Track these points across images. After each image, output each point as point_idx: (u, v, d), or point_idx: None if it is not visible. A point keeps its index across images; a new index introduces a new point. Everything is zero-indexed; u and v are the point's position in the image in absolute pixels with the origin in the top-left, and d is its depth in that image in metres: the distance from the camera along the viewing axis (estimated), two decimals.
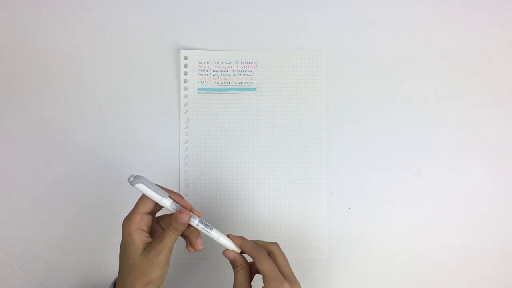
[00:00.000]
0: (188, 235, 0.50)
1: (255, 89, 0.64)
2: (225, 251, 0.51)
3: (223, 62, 0.64)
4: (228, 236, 0.51)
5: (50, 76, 0.64)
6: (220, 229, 0.63)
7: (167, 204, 0.47)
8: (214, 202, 0.63)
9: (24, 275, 0.62)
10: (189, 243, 0.50)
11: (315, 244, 0.62)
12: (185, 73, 0.64)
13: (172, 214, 0.48)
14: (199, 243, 0.49)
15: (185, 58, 0.64)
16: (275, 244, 0.51)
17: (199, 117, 0.64)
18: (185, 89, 0.64)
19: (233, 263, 0.51)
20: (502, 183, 0.62)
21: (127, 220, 0.47)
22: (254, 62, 0.64)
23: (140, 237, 0.46)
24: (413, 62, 0.64)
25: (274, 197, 0.63)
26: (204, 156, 0.63)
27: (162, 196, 0.47)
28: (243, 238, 0.51)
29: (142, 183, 0.45)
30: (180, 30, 0.65)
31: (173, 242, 0.47)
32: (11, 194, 0.62)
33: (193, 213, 0.49)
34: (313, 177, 0.63)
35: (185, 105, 0.64)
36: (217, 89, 0.64)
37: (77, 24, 0.65)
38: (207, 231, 0.49)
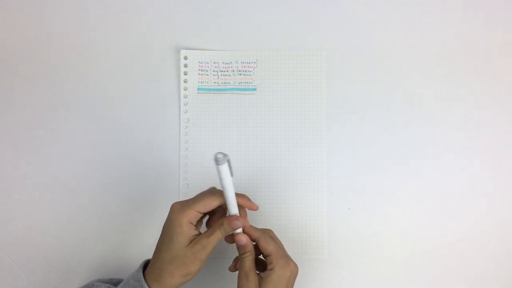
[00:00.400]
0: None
1: (255, 89, 0.64)
2: (238, 235, 0.51)
3: (223, 62, 0.64)
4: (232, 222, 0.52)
5: (50, 76, 0.64)
6: None
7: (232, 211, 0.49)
8: None
9: (24, 275, 0.62)
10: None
11: (315, 244, 0.62)
12: (185, 73, 0.64)
13: (223, 214, 0.50)
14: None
15: (185, 58, 0.64)
16: (270, 230, 0.53)
17: (199, 117, 0.64)
18: (185, 89, 0.64)
19: (242, 248, 0.51)
20: (502, 183, 0.62)
21: (181, 212, 0.48)
22: (254, 62, 0.64)
23: (189, 231, 0.47)
24: (413, 62, 0.64)
25: (274, 197, 0.63)
26: (204, 156, 0.63)
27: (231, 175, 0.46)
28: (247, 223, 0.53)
29: (228, 166, 0.45)
30: (180, 30, 0.65)
31: (219, 241, 0.48)
32: (11, 194, 0.62)
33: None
34: (313, 177, 0.63)
35: (185, 105, 0.64)
36: (217, 89, 0.64)
37: (77, 24, 0.65)
38: None
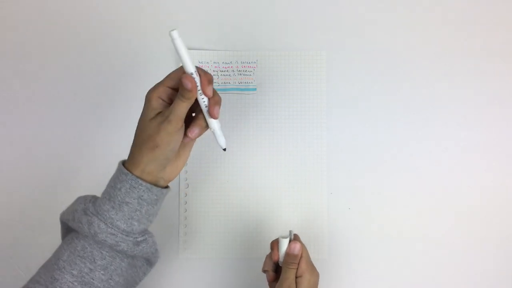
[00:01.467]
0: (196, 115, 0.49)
1: (255, 89, 0.64)
2: (294, 244, 0.52)
3: (223, 62, 0.64)
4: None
5: (50, 76, 0.64)
6: (221, 228, 0.63)
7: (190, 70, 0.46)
8: (214, 202, 0.63)
9: (24, 275, 0.62)
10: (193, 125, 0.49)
11: (315, 244, 0.62)
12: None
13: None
14: (193, 130, 0.48)
15: None
16: (297, 235, 0.55)
17: None
18: None
19: (294, 257, 0.52)
20: (502, 183, 0.62)
21: (151, 89, 0.47)
22: (254, 62, 0.64)
23: (156, 104, 0.46)
24: (413, 62, 0.64)
25: (274, 197, 0.63)
26: (204, 156, 0.63)
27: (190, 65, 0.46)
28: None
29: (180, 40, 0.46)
30: (180, 30, 0.65)
31: (181, 110, 0.45)
32: (11, 193, 0.62)
33: (202, 88, 0.47)
34: (313, 177, 0.63)
35: None
36: (217, 89, 0.63)
37: (77, 24, 0.65)
38: (207, 117, 0.48)
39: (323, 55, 0.64)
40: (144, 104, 0.47)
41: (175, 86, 0.46)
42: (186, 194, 0.63)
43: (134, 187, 0.46)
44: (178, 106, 0.45)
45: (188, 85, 0.45)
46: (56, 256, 0.46)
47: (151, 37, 0.65)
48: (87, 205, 0.46)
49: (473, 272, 0.62)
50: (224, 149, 0.51)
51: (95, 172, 0.62)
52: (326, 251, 0.62)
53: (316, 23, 0.65)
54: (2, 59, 0.64)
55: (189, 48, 0.64)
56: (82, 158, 0.63)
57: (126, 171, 0.46)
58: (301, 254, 0.52)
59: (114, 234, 0.45)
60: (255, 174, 0.63)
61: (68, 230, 0.48)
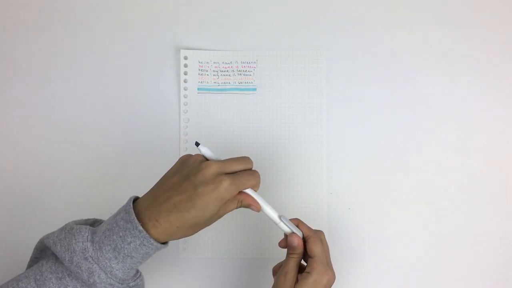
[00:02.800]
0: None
1: (255, 89, 0.64)
2: (291, 235, 0.50)
3: (223, 62, 0.64)
4: (286, 219, 0.52)
5: (49, 76, 0.64)
6: (221, 228, 0.63)
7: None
8: None
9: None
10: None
11: None
12: (185, 73, 0.64)
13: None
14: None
15: (185, 58, 0.64)
16: (322, 232, 0.52)
17: (199, 117, 0.64)
18: (185, 89, 0.64)
19: (293, 248, 0.50)
20: (502, 183, 0.62)
21: (233, 190, 0.46)
22: (254, 62, 0.64)
23: (224, 212, 0.47)
24: (413, 62, 0.64)
25: (274, 197, 0.63)
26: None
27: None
28: (298, 219, 0.52)
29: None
30: (180, 30, 0.65)
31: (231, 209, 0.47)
32: (11, 193, 0.62)
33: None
34: (313, 177, 0.63)
35: (185, 105, 0.64)
36: (217, 89, 0.64)
37: (77, 24, 0.65)
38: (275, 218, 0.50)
39: (323, 55, 0.64)
40: (220, 200, 0.45)
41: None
42: None
43: (144, 245, 0.44)
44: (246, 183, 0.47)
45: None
46: (42, 286, 0.43)
47: (151, 37, 0.65)
48: (85, 244, 0.43)
49: (473, 272, 0.62)
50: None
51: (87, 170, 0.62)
52: None
53: (316, 23, 0.65)
54: (3, 58, 0.64)
55: (189, 48, 0.64)
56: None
57: (141, 228, 0.43)
58: (315, 250, 0.49)
59: (111, 285, 0.44)
60: None
61: (43, 253, 0.47)
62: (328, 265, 0.50)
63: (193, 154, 0.48)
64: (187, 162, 0.47)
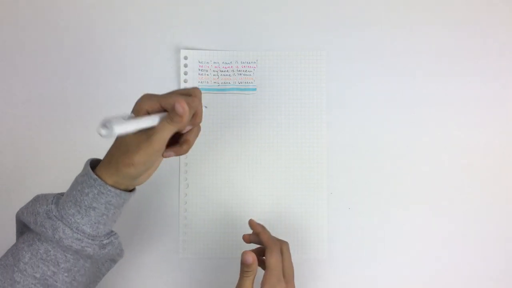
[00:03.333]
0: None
1: (255, 89, 0.64)
2: (246, 253, 0.49)
3: (223, 62, 0.64)
4: (250, 222, 0.53)
5: (49, 76, 0.64)
6: (221, 228, 0.63)
7: (156, 120, 0.44)
8: (214, 202, 0.63)
9: None
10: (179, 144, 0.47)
11: (315, 244, 0.62)
12: (185, 73, 0.64)
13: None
14: (184, 149, 0.47)
15: (185, 58, 0.64)
16: (286, 243, 0.52)
17: None
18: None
19: (247, 266, 0.49)
20: (502, 183, 0.62)
21: (142, 100, 0.45)
22: (254, 62, 0.64)
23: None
24: (413, 62, 0.64)
25: (274, 197, 0.63)
26: (204, 156, 0.63)
27: (150, 123, 0.43)
28: (263, 227, 0.52)
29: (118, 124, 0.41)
30: (180, 30, 0.65)
31: (166, 134, 0.44)
32: (11, 193, 0.62)
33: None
34: (313, 177, 0.63)
35: None
36: (217, 89, 0.64)
37: (77, 24, 0.65)
38: None
39: (323, 55, 0.64)
40: (132, 112, 0.45)
41: (168, 108, 0.44)
42: (186, 194, 0.63)
43: (102, 193, 0.44)
44: (165, 129, 0.44)
45: (180, 110, 0.43)
46: (16, 257, 0.44)
47: (151, 37, 0.65)
48: (49, 206, 0.44)
49: (474, 272, 0.62)
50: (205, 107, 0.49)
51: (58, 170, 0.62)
52: (326, 251, 0.62)
53: (316, 23, 0.65)
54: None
55: (190, 48, 0.64)
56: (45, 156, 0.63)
57: (95, 176, 0.44)
58: (270, 261, 0.48)
59: (80, 240, 0.44)
60: (255, 174, 0.63)
61: (25, 228, 0.47)
62: (285, 277, 0.49)
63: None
64: None
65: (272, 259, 0.49)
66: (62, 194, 0.47)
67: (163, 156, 0.46)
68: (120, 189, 0.45)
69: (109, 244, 0.46)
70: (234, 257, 0.61)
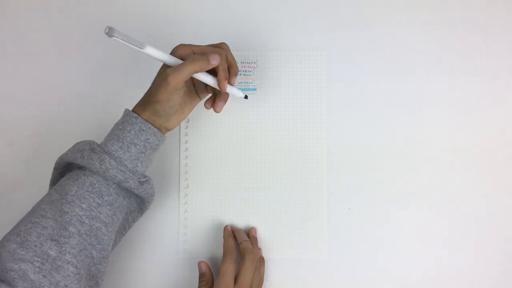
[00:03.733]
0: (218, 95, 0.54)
1: (255, 89, 0.64)
2: (199, 263, 0.58)
3: None
4: (224, 228, 0.60)
5: (50, 76, 0.64)
6: (221, 229, 0.63)
7: (150, 52, 0.48)
8: (214, 202, 0.63)
9: None
10: (212, 100, 0.54)
11: (315, 244, 0.62)
12: None
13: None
14: (219, 106, 0.53)
15: None
16: (252, 255, 0.55)
17: (199, 117, 0.64)
18: None
19: (200, 276, 0.57)
20: (502, 183, 0.62)
21: (178, 46, 0.50)
22: (254, 62, 0.64)
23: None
24: (413, 62, 0.64)
25: (274, 197, 0.63)
26: (204, 156, 0.63)
27: (140, 46, 0.48)
28: (229, 234, 0.59)
29: (117, 35, 0.46)
30: (180, 31, 0.65)
31: (188, 72, 0.48)
32: (11, 193, 0.62)
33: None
34: (313, 177, 0.63)
35: None
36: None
37: (77, 24, 0.65)
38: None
39: (323, 55, 0.64)
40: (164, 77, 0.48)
41: (198, 53, 0.50)
42: (186, 194, 0.63)
43: (143, 130, 0.50)
44: (189, 65, 0.48)
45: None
46: (63, 191, 0.47)
47: (151, 37, 0.65)
48: (92, 145, 0.49)
49: (474, 272, 0.62)
50: (246, 97, 0.55)
51: None
52: (326, 251, 0.62)
53: (316, 23, 0.65)
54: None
55: None
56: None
57: (136, 114, 0.50)
58: (221, 268, 0.54)
59: (123, 171, 0.49)
60: (255, 174, 0.63)
61: (61, 175, 0.51)
62: (237, 284, 0.53)
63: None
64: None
65: (223, 266, 0.54)
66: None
67: (216, 110, 0.53)
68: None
69: (146, 182, 0.51)
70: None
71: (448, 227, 0.62)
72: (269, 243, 0.62)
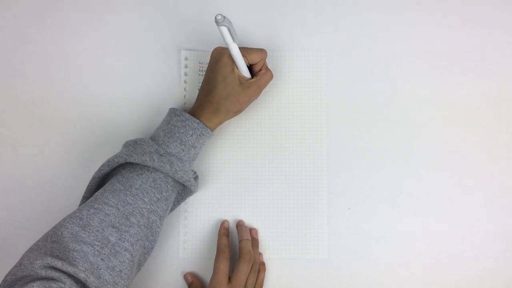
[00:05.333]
0: None
1: None
2: (185, 275, 0.60)
3: None
4: (222, 223, 0.62)
5: (50, 76, 0.64)
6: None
7: (234, 50, 0.53)
8: (214, 202, 0.63)
9: None
10: None
11: (315, 244, 0.62)
12: (186, 74, 0.64)
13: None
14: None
15: (186, 59, 0.64)
16: (245, 257, 0.57)
17: None
18: (186, 89, 0.64)
19: (189, 285, 0.60)
20: (502, 183, 0.62)
21: (229, 56, 0.54)
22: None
23: (237, 72, 0.55)
24: (413, 62, 0.64)
25: (274, 197, 0.63)
26: (204, 156, 0.63)
27: (234, 41, 0.53)
28: (223, 233, 0.60)
29: (227, 27, 0.50)
30: (180, 30, 0.65)
31: (266, 85, 0.58)
32: (11, 193, 0.63)
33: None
34: (313, 177, 0.63)
35: (185, 106, 0.64)
36: None
37: (77, 24, 0.65)
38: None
39: (323, 55, 0.64)
40: (227, 67, 0.54)
41: (252, 63, 0.56)
42: None
43: (203, 135, 0.55)
44: (267, 79, 0.57)
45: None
46: (127, 184, 0.51)
47: (152, 37, 0.65)
48: (155, 147, 0.53)
49: (473, 273, 0.61)
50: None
51: None
52: (326, 251, 0.62)
53: (316, 23, 0.65)
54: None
55: (189, 49, 0.65)
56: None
57: (198, 120, 0.55)
58: (214, 268, 0.57)
59: (187, 172, 0.54)
60: (255, 174, 0.63)
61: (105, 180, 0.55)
62: (231, 283, 0.55)
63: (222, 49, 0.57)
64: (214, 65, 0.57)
65: (215, 263, 0.56)
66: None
67: None
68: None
69: (197, 178, 0.59)
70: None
71: (448, 227, 0.62)
72: (269, 243, 0.62)
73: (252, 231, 0.61)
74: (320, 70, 0.64)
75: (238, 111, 0.57)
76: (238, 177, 0.63)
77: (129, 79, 0.64)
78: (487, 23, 0.64)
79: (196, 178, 0.59)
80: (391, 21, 0.65)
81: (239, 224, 0.61)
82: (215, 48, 0.57)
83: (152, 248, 0.53)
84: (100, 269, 0.45)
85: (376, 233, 0.62)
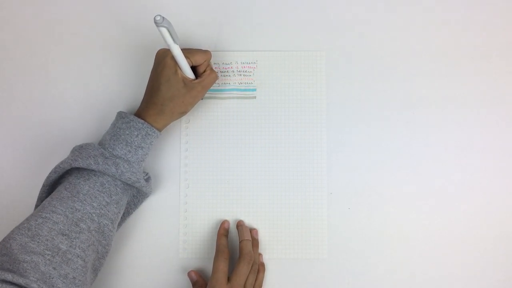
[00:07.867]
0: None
1: (255, 90, 0.64)
2: (190, 272, 0.59)
3: (222, 63, 0.64)
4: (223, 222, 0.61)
5: (50, 76, 0.64)
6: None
7: (176, 51, 0.53)
8: (214, 202, 0.63)
9: None
10: None
11: (315, 244, 0.62)
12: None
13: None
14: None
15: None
16: (245, 257, 0.56)
17: (199, 118, 0.64)
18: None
19: (194, 284, 0.59)
20: (502, 183, 0.62)
21: (172, 57, 0.54)
22: (254, 62, 0.64)
23: (181, 72, 0.54)
24: (412, 62, 0.64)
25: (274, 197, 0.63)
26: (204, 156, 0.63)
27: (176, 42, 0.52)
28: (222, 232, 0.60)
29: (166, 28, 0.50)
30: (180, 31, 0.65)
31: (210, 86, 0.58)
32: (11, 193, 0.63)
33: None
34: (313, 177, 0.63)
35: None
36: (217, 90, 0.64)
37: (77, 24, 0.65)
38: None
39: (323, 55, 0.64)
40: (170, 68, 0.54)
41: (196, 64, 0.56)
42: (186, 194, 0.63)
43: (149, 134, 0.55)
44: (211, 81, 0.57)
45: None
46: (74, 190, 0.51)
47: (151, 38, 0.65)
48: (100, 150, 0.52)
49: (473, 273, 0.61)
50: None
51: None
52: (326, 251, 0.62)
53: (316, 23, 0.65)
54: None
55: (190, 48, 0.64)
56: None
57: (142, 121, 0.54)
58: (213, 267, 0.56)
59: (135, 173, 0.53)
60: (255, 174, 0.63)
61: (57, 183, 0.54)
62: (231, 283, 0.54)
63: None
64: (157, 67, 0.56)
65: (215, 263, 0.56)
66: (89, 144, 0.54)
67: None
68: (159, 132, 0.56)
69: (149, 179, 0.59)
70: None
71: (448, 226, 0.62)
72: (269, 243, 0.62)
73: (252, 231, 0.61)
74: (320, 70, 0.64)
75: (183, 112, 0.57)
76: (238, 177, 0.63)
77: (129, 79, 0.64)
78: (487, 23, 0.64)
79: (148, 179, 0.58)
80: (391, 21, 0.65)
81: (240, 224, 0.61)
82: (159, 50, 0.57)
83: (107, 252, 0.52)
84: (52, 278, 0.45)
85: (376, 233, 0.62)
